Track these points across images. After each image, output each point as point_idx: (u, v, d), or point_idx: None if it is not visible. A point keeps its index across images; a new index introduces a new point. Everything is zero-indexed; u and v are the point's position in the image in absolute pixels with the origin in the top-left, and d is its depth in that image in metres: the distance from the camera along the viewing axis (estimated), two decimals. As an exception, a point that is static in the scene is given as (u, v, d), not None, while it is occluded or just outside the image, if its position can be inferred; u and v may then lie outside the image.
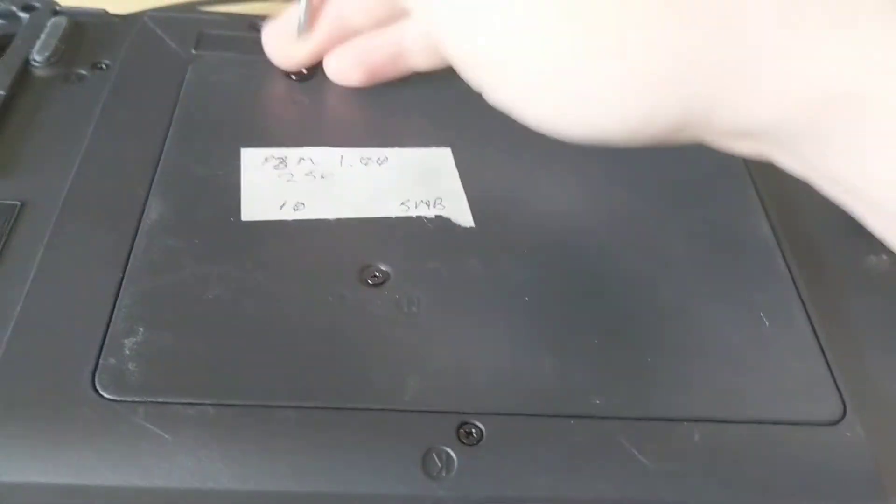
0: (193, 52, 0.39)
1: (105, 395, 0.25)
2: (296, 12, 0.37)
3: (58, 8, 0.41)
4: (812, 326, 0.30)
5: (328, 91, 0.38)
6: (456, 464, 0.25)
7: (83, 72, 0.38)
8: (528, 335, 0.29)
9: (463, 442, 0.25)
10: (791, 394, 0.28)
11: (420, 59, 0.37)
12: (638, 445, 0.26)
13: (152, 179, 0.33)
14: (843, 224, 0.35)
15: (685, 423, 0.27)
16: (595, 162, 0.35)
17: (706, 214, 0.34)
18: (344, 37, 0.37)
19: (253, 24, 0.41)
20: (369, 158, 0.35)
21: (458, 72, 0.30)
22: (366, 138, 0.36)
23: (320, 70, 0.39)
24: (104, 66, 0.39)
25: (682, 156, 0.36)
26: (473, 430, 0.26)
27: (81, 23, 0.41)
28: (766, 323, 0.30)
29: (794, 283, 0.32)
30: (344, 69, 0.37)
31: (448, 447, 0.25)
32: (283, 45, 0.37)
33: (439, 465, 0.25)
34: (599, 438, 0.26)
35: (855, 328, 0.31)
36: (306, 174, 0.34)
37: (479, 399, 0.27)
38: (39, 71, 0.38)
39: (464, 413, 0.26)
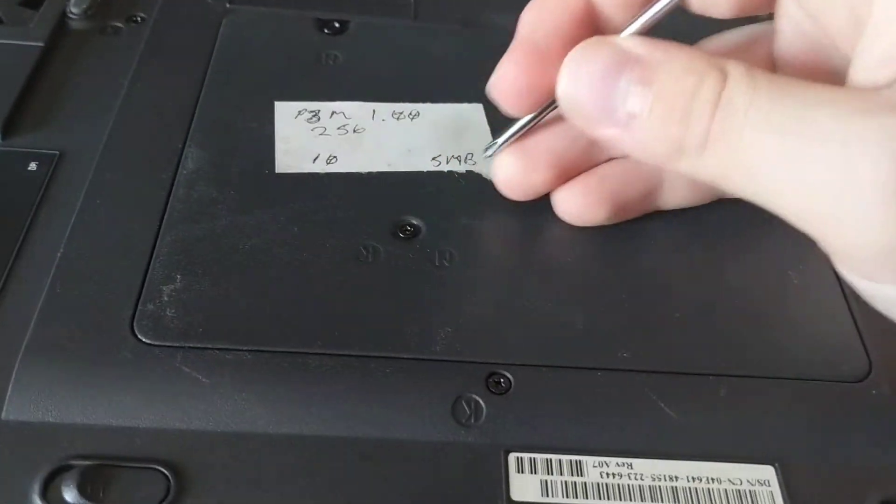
0: (228, 5, 0.39)
1: (144, 340, 0.26)
2: (514, 132, 0.31)
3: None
4: (840, 284, 0.30)
5: (360, 45, 0.38)
6: (485, 411, 0.26)
7: (119, 24, 0.39)
8: (557, 290, 0.29)
9: (492, 391, 0.26)
10: (817, 351, 0.28)
11: (678, 196, 0.31)
12: (664, 398, 0.26)
13: (188, 130, 0.33)
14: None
15: (711, 377, 0.27)
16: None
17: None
18: (581, 165, 0.31)
19: (286, -22, 0.41)
20: (401, 113, 0.35)
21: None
22: (398, 93, 0.36)
23: (354, 24, 0.39)
24: (139, 19, 0.39)
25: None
26: (502, 380, 0.26)
27: (117, -25, 0.41)
28: (794, 281, 0.30)
29: (823, 242, 0.32)
30: (588, 205, 0.31)
31: (477, 395, 0.26)
32: (518, 174, 0.31)
33: (469, 412, 0.26)
34: (626, 390, 0.26)
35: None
36: (339, 128, 0.34)
37: (508, 350, 0.27)
38: (76, 23, 0.38)
39: (493, 363, 0.27)
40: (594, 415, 0.26)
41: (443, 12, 0.40)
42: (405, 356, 0.26)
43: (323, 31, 0.38)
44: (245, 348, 0.26)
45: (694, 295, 0.29)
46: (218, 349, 0.26)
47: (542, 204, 0.32)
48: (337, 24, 0.39)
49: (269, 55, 0.37)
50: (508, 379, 0.26)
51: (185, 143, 0.33)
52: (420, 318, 0.28)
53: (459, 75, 0.37)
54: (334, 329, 0.27)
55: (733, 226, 0.32)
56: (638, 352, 0.27)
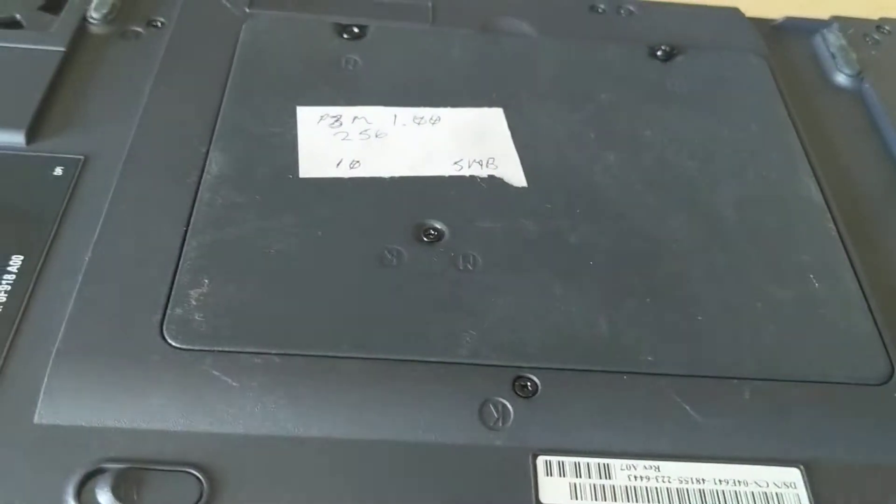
0: (247, 10, 0.40)
1: (173, 344, 0.26)
2: None
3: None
4: (861, 288, 0.30)
5: (380, 50, 0.38)
6: (512, 415, 0.26)
7: (139, 29, 0.39)
8: (580, 293, 0.29)
9: (518, 394, 0.26)
10: (839, 354, 0.28)
11: None
12: (689, 401, 0.26)
13: (212, 135, 0.33)
14: (891, 186, 0.36)
15: (735, 380, 0.27)
16: (647, 124, 0.36)
17: (755, 176, 0.34)
18: None
19: (305, -17, 0.42)
20: (422, 118, 0.35)
21: None
22: (418, 98, 0.36)
23: (372, 29, 0.39)
24: (159, 24, 0.39)
25: (732, 118, 0.36)
26: (528, 384, 0.27)
27: (137, -20, 0.41)
28: (816, 284, 0.30)
29: (844, 244, 0.32)
30: None
31: (504, 399, 0.26)
32: None
33: (496, 415, 0.26)
34: (651, 393, 0.27)
35: (903, 292, 0.31)
36: (361, 133, 0.34)
37: (533, 354, 0.27)
38: (96, 28, 0.39)
39: (519, 367, 0.27)
40: (620, 418, 0.26)
41: (460, 17, 0.41)
42: (432, 360, 0.27)
43: (342, 36, 0.39)
44: (273, 352, 0.26)
45: (716, 298, 0.30)
46: (247, 353, 0.26)
47: (563, 207, 0.32)
48: (356, 29, 0.39)
49: (289, 60, 0.37)
50: (535, 382, 0.27)
51: (209, 147, 0.33)
52: (445, 322, 0.28)
53: (478, 80, 0.37)
54: (361, 332, 0.27)
55: (755, 230, 0.32)
56: (662, 355, 0.28)
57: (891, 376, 0.28)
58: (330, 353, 0.27)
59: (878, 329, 0.29)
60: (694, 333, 0.28)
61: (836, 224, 0.33)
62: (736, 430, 0.26)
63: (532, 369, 0.27)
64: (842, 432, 0.27)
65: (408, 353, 0.27)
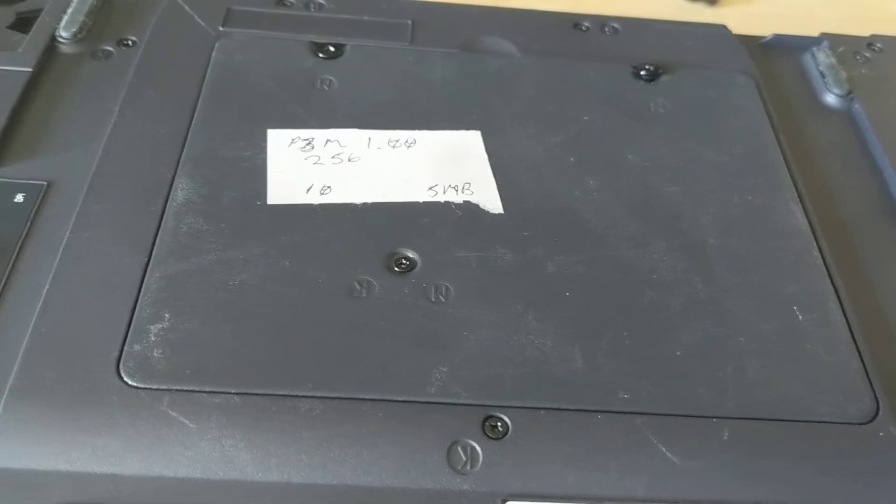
0: (221, 28, 0.39)
1: (130, 383, 0.25)
2: None
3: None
4: (847, 321, 0.29)
5: (357, 70, 0.37)
6: (481, 458, 0.25)
7: (109, 48, 0.38)
8: (556, 327, 0.28)
9: (488, 436, 0.25)
10: (823, 391, 0.27)
11: None
12: (666, 442, 0.25)
13: (179, 160, 0.32)
14: (883, 213, 0.35)
15: (714, 419, 0.26)
16: (630, 147, 0.35)
17: (739, 201, 0.33)
18: None
19: (281, 0, 0.41)
20: (397, 141, 0.34)
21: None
22: (394, 119, 0.35)
23: (349, 48, 0.38)
24: (130, 43, 0.38)
25: (717, 140, 0.35)
26: (499, 424, 0.26)
27: (109, -2, 0.40)
28: (799, 317, 0.29)
29: (830, 274, 0.31)
30: None
31: (473, 441, 0.25)
32: None
33: (464, 458, 0.25)
34: (627, 434, 0.26)
35: (892, 323, 0.30)
36: (333, 157, 0.33)
37: (505, 392, 0.26)
38: (66, 48, 0.38)
39: (490, 406, 0.26)
40: (594, 460, 0.25)
41: (441, 36, 0.40)
42: (398, 398, 0.26)
43: (318, 56, 0.38)
44: (233, 391, 0.25)
45: (697, 331, 0.29)
46: (206, 392, 0.25)
47: (541, 235, 0.31)
48: (332, 49, 0.38)
49: (262, 80, 0.36)
50: (506, 422, 0.26)
51: (175, 173, 0.32)
52: (414, 358, 0.27)
53: (457, 101, 0.37)
54: (325, 369, 0.26)
55: (738, 258, 0.31)
56: (639, 392, 0.27)
57: (876, 415, 0.27)
58: (292, 393, 0.26)
59: (864, 364, 0.28)
60: (672, 369, 0.27)
61: (822, 252, 0.32)
62: (714, 472, 0.25)
63: (503, 408, 0.26)
64: (825, 474, 0.26)
65: (374, 391, 0.26)
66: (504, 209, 0.32)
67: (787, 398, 0.27)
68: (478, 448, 0.25)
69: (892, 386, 0.28)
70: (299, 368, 0.26)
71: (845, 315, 0.29)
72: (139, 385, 0.25)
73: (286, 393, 0.26)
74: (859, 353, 0.28)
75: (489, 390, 0.26)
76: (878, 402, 0.27)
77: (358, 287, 0.29)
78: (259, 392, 0.26)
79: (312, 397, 0.26)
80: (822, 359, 0.28)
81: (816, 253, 0.32)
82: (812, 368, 0.28)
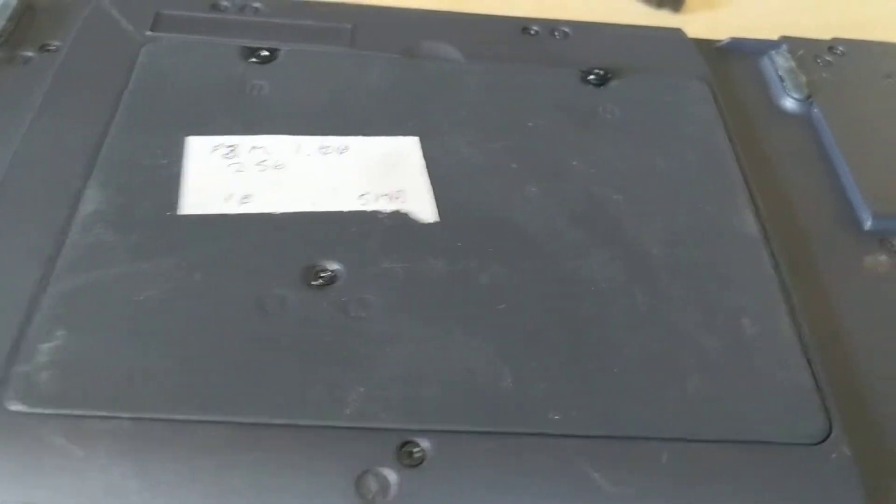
0: (148, 33, 0.37)
1: (12, 408, 0.23)
2: None
3: (10, -14, 0.39)
4: (799, 334, 0.27)
5: (291, 75, 0.35)
6: (393, 488, 0.23)
7: (30, 54, 0.36)
8: (486, 342, 0.26)
9: (403, 463, 0.23)
10: (772, 410, 0.25)
11: None
12: (598, 467, 0.23)
13: (91, 169, 0.30)
14: (839, 221, 0.33)
15: (652, 441, 0.24)
16: (575, 154, 0.33)
17: (688, 209, 0.31)
18: None
19: (215, 4, 0.39)
20: (328, 147, 0.33)
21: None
22: (328, 125, 0.33)
23: (284, 52, 0.36)
24: (53, 49, 0.36)
25: (667, 146, 0.33)
26: (416, 450, 0.23)
27: (34, 2, 0.38)
28: (748, 329, 0.27)
29: (782, 285, 0.29)
30: None
31: (386, 468, 0.23)
32: None
33: (374, 489, 0.23)
34: (556, 459, 0.24)
35: (847, 336, 0.28)
36: (258, 164, 0.31)
37: (425, 414, 0.24)
38: (-16, 53, 0.36)
39: (407, 430, 0.24)
40: (519, 488, 0.23)
41: (382, 40, 0.38)
42: (307, 423, 0.24)
43: (249, 61, 0.36)
44: (126, 416, 0.23)
45: (637, 346, 0.27)
46: (95, 417, 0.23)
47: (475, 245, 0.29)
48: (265, 53, 0.36)
49: (188, 86, 0.34)
50: (423, 448, 0.23)
51: (86, 182, 0.30)
52: (328, 378, 0.25)
53: (397, 107, 0.35)
54: (229, 392, 0.24)
55: (685, 268, 0.29)
56: (571, 413, 0.25)
57: (828, 435, 0.25)
58: (190, 417, 0.23)
59: (816, 379, 0.26)
60: (609, 387, 0.25)
61: (774, 261, 0.30)
62: (650, 499, 0.23)
63: (422, 432, 0.24)
64: (772, 500, 0.24)
65: (281, 415, 0.24)
66: (439, 218, 0.30)
67: (733, 417, 0.25)
68: (391, 476, 0.23)
69: (846, 402, 0.26)
70: (201, 391, 0.24)
71: (797, 327, 0.28)
72: (22, 410, 0.23)
73: (183, 418, 0.23)
74: (811, 367, 0.26)
75: (408, 412, 0.24)
76: (830, 421, 0.25)
77: (272, 302, 0.27)
78: (154, 417, 0.23)
79: (212, 422, 0.23)
80: (771, 374, 0.26)
81: (768, 262, 0.30)
82: (760, 385, 0.26)
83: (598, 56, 0.38)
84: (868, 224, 0.33)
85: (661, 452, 0.24)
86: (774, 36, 0.42)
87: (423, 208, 0.30)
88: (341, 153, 0.32)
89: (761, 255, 0.30)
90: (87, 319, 0.25)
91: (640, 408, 0.25)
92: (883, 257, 0.32)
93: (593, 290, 0.28)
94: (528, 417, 0.24)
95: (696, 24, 0.48)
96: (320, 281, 0.27)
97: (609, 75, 0.37)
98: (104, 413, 0.23)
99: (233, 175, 0.31)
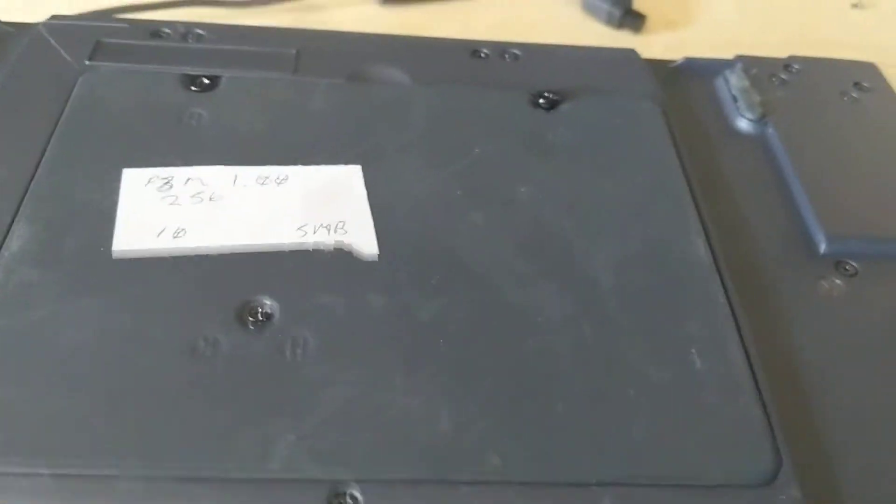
0: (87, 62, 0.36)
1: None
2: None
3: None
4: (750, 365, 0.27)
5: (231, 103, 0.34)
6: (323, 543, 0.22)
7: (-39, 85, 0.35)
8: (424, 383, 0.25)
9: (335, 516, 0.22)
10: (718, 449, 0.24)
11: None
12: (539, 514, 0.22)
13: (20, 204, 0.29)
14: (794, 244, 0.32)
15: (594, 487, 0.23)
16: (523, 180, 0.32)
17: (637, 235, 0.30)
18: None
19: (156, 32, 0.38)
20: (267, 178, 0.32)
21: None
22: (269, 155, 0.32)
23: (226, 80, 0.35)
24: (-13, 78, 0.35)
25: (617, 171, 0.33)
26: (348, 500, 0.22)
27: (-32, 33, 0.37)
28: (697, 362, 0.26)
29: (733, 313, 0.28)
30: None
31: (317, 522, 0.22)
32: None
33: (301, 545, 0.22)
34: (494, 507, 0.23)
35: (800, 365, 0.28)
36: (193, 196, 0.30)
37: (357, 462, 0.23)
38: (-84, 84, 0.35)
39: (339, 480, 0.23)
40: (455, 539, 0.22)
41: (327, 65, 0.37)
42: (233, 476, 0.22)
43: (189, 89, 0.35)
44: (45, 471, 0.22)
45: (581, 383, 0.26)
46: (12, 473, 0.22)
47: (417, 278, 0.28)
48: (206, 81, 0.35)
49: (124, 116, 0.33)
50: (356, 498, 0.22)
51: (14, 218, 0.29)
52: (258, 426, 0.24)
53: (340, 134, 0.34)
54: (154, 444, 0.23)
55: (633, 298, 0.28)
56: (511, 457, 0.24)
57: (776, 474, 0.24)
58: (111, 472, 0.22)
59: (767, 413, 0.25)
60: (551, 428, 0.24)
61: (725, 289, 0.29)
62: (592, 548, 0.22)
63: (354, 482, 0.23)
64: (719, 545, 0.23)
65: (207, 468, 0.23)
66: (380, 250, 0.29)
67: (678, 459, 0.24)
68: None
69: (798, 436, 0.25)
70: (124, 442, 0.23)
71: (748, 358, 0.27)
72: None
73: (104, 473, 0.22)
74: (762, 401, 0.26)
75: (339, 461, 0.23)
76: (780, 459, 0.24)
77: (203, 344, 0.25)
78: (74, 472, 0.22)
79: (132, 477, 0.22)
80: (720, 411, 0.25)
81: (719, 289, 0.29)
82: (707, 423, 0.25)
83: (550, 78, 0.37)
84: (823, 247, 0.32)
85: (603, 498, 0.23)
86: (716, 50, 0.41)
87: (364, 240, 0.29)
88: (280, 183, 0.31)
89: (712, 282, 0.29)
90: (7, 366, 0.24)
91: (584, 450, 0.24)
92: (838, 281, 0.31)
93: (538, 323, 0.27)
94: (465, 463, 0.23)
95: (658, 44, 0.48)
96: (255, 320, 0.26)
97: (559, 98, 0.36)
98: (22, 469, 0.22)
99: (166, 208, 0.30)
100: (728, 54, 0.41)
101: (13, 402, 0.23)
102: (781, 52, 0.42)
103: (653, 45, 0.48)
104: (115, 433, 0.23)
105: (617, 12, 0.48)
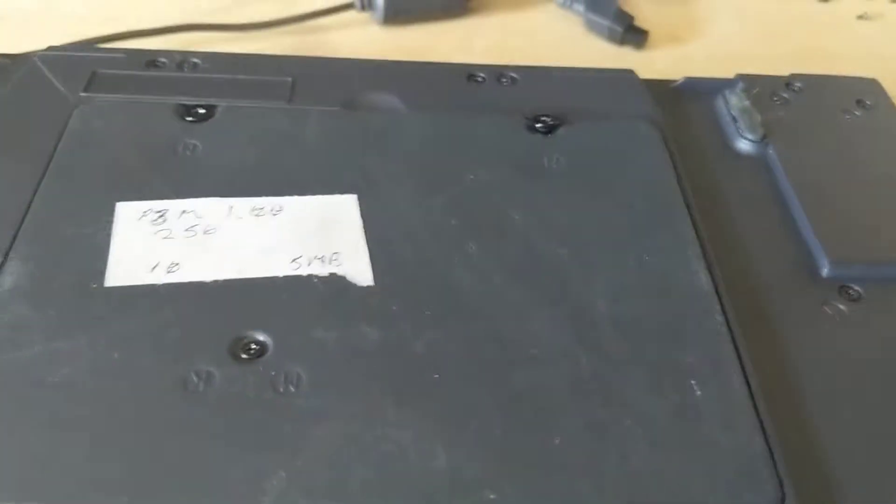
0: (82, 94, 0.36)
1: None
2: None
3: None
4: (751, 395, 0.26)
5: (226, 133, 0.34)
6: (313, 585, 0.21)
7: (-43, 119, 0.35)
8: (420, 416, 0.25)
9: (323, 556, 0.22)
10: (720, 480, 0.24)
11: None
12: (536, 552, 0.22)
13: (13, 239, 0.29)
14: (796, 268, 0.32)
15: None
16: (519, 207, 0.32)
17: (636, 262, 0.30)
18: None
19: (152, 62, 0.38)
20: (262, 209, 0.31)
21: None
22: (264, 185, 0.32)
23: (221, 109, 0.35)
24: (-18, 112, 0.35)
25: (615, 196, 0.32)
26: (340, 540, 0.22)
27: (-36, 65, 0.37)
28: (698, 392, 0.26)
29: (734, 342, 0.28)
30: None
31: (306, 564, 0.22)
32: None
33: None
34: (491, 544, 0.22)
35: (803, 392, 0.27)
36: (187, 229, 0.30)
37: (351, 499, 0.23)
38: None
39: (331, 518, 0.22)
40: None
41: (323, 93, 0.37)
42: (223, 515, 0.22)
43: (185, 119, 0.35)
44: None
45: (579, 414, 0.25)
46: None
47: (411, 309, 0.28)
48: (202, 111, 0.35)
49: (119, 148, 0.33)
50: (348, 537, 0.22)
51: (7, 254, 0.28)
52: (250, 463, 0.23)
53: (335, 163, 0.34)
54: (146, 480, 0.23)
55: (631, 327, 0.28)
56: (508, 491, 0.23)
57: (782, 502, 0.23)
58: None
59: (769, 444, 0.25)
60: (548, 461, 0.24)
61: (726, 316, 0.28)
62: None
63: None
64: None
65: None
66: (374, 281, 0.29)
67: (678, 491, 0.24)
68: None
69: (801, 464, 0.25)
70: (115, 479, 0.23)
71: (749, 388, 0.26)
72: None
73: None
74: (764, 431, 0.25)
75: (332, 497, 0.23)
76: (783, 490, 0.24)
77: (195, 379, 0.25)
78: None
79: None
80: (721, 441, 0.25)
81: (720, 317, 0.28)
82: (708, 453, 0.25)
83: (547, 102, 0.37)
84: (826, 271, 0.32)
85: (603, 532, 0.22)
86: (742, 71, 0.41)
87: (360, 271, 0.29)
88: (275, 214, 0.31)
89: (713, 309, 0.29)
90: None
91: (582, 485, 0.24)
92: (842, 306, 0.31)
93: (535, 355, 0.27)
94: (460, 499, 0.23)
95: (661, 60, 0.48)
96: (249, 354, 0.26)
97: (557, 122, 0.36)
98: (8, 510, 0.22)
99: (160, 243, 0.30)
100: (732, 68, 0.41)
101: (2, 440, 0.23)
102: (786, 65, 0.41)
103: (656, 61, 0.48)
104: (105, 470, 0.23)
105: (619, 29, 0.48)
